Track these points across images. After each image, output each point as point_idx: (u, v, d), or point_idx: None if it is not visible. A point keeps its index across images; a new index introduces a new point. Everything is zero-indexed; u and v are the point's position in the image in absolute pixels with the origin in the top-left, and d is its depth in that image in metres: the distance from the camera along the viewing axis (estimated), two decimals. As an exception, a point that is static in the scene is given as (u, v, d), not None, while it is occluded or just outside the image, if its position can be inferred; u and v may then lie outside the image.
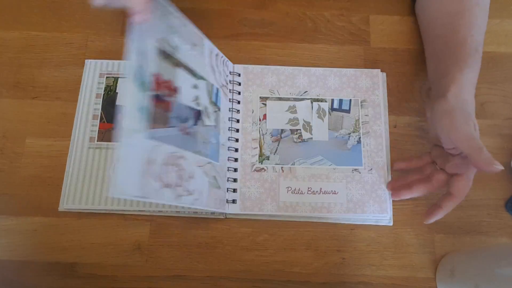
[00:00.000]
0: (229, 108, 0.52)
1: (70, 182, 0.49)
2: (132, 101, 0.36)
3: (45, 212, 0.49)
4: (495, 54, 0.56)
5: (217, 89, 0.49)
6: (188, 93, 0.43)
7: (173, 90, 0.41)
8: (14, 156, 0.51)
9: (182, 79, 0.43)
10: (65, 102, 0.53)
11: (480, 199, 0.50)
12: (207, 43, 0.48)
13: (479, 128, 0.52)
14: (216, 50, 0.50)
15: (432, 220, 0.45)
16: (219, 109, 0.49)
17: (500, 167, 0.39)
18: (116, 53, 0.56)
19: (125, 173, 0.35)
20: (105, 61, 0.54)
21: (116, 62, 0.54)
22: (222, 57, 0.52)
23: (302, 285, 0.48)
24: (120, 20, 0.57)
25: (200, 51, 0.46)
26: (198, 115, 0.44)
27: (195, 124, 0.44)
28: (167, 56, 0.41)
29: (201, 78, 0.45)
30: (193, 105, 0.44)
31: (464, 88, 0.44)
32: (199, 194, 0.42)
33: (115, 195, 0.35)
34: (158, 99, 0.39)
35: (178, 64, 0.42)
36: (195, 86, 0.44)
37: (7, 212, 0.50)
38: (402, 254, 0.48)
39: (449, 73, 0.46)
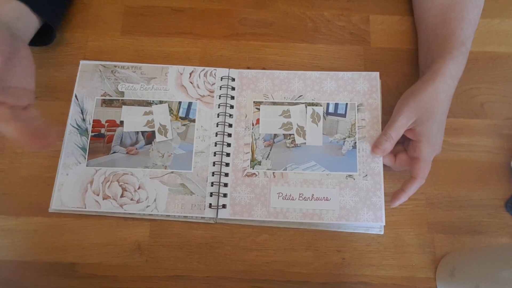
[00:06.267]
0: (218, 114, 0.52)
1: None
2: (74, 143, 0.51)
3: (45, 212, 0.49)
4: (495, 54, 0.56)
5: (190, 103, 0.53)
6: (137, 121, 0.52)
7: (117, 125, 0.52)
8: (14, 156, 0.51)
9: (127, 113, 0.52)
10: (65, 102, 0.53)
11: (480, 199, 0.50)
12: (173, 69, 0.54)
13: (480, 129, 0.53)
14: (191, 69, 0.54)
15: (396, 203, 0.46)
16: (191, 121, 0.52)
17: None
18: (116, 54, 0.56)
19: (68, 191, 0.49)
20: (100, 62, 0.55)
21: (111, 63, 0.55)
22: (203, 70, 0.54)
23: (302, 285, 0.48)
24: (120, 20, 0.58)
25: (160, 80, 0.54)
26: (152, 135, 0.51)
27: (149, 143, 0.51)
28: (111, 101, 0.53)
29: (159, 103, 0.52)
30: (145, 129, 0.52)
31: (445, 79, 0.46)
32: (152, 202, 0.49)
33: (57, 207, 0.49)
34: (99, 136, 0.51)
35: (124, 103, 0.53)
36: (148, 112, 0.52)
37: (7, 212, 0.50)
38: (402, 254, 0.48)
39: (434, 63, 0.47)
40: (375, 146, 0.49)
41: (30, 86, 0.46)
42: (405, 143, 0.49)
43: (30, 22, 0.49)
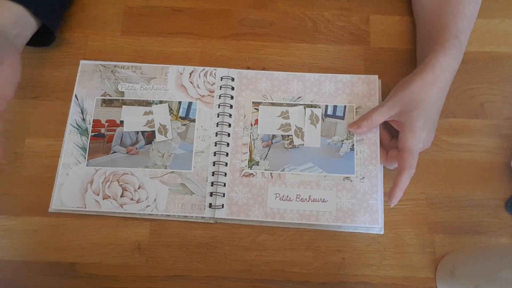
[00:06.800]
0: (218, 114, 0.52)
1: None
2: (74, 143, 0.51)
3: (45, 212, 0.49)
4: (495, 54, 0.56)
5: (190, 103, 0.53)
6: (137, 121, 0.52)
7: (117, 125, 0.52)
8: (14, 156, 0.51)
9: (127, 113, 0.52)
10: (65, 102, 0.53)
11: (480, 199, 0.50)
12: (173, 69, 0.54)
13: (480, 129, 0.53)
14: (190, 69, 0.54)
15: (393, 200, 0.45)
16: (192, 121, 0.52)
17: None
18: (116, 53, 0.56)
19: (68, 191, 0.49)
20: (100, 62, 0.55)
21: (111, 63, 0.55)
22: (203, 69, 0.54)
23: (302, 285, 0.48)
24: (120, 20, 0.58)
25: (160, 80, 0.54)
26: (152, 135, 0.51)
27: (149, 143, 0.51)
28: (111, 101, 0.53)
29: (159, 103, 0.52)
30: (145, 128, 0.52)
31: (434, 70, 0.45)
32: (152, 202, 0.49)
33: (57, 207, 0.49)
34: (99, 136, 0.51)
35: (124, 103, 0.53)
36: (148, 112, 0.52)
37: (7, 212, 0.50)
38: (402, 254, 0.48)
39: (426, 56, 0.47)
40: (353, 123, 0.50)
41: (7, 94, 0.46)
42: (396, 139, 0.49)
43: (28, 26, 0.49)
